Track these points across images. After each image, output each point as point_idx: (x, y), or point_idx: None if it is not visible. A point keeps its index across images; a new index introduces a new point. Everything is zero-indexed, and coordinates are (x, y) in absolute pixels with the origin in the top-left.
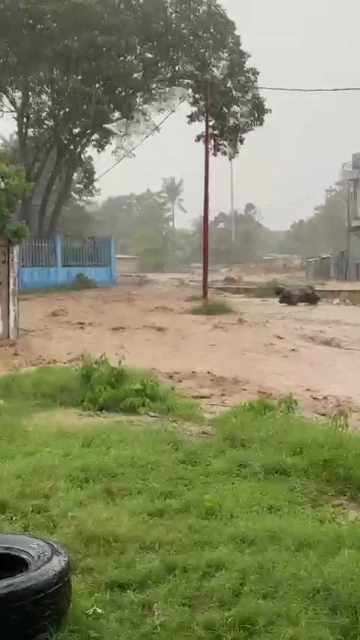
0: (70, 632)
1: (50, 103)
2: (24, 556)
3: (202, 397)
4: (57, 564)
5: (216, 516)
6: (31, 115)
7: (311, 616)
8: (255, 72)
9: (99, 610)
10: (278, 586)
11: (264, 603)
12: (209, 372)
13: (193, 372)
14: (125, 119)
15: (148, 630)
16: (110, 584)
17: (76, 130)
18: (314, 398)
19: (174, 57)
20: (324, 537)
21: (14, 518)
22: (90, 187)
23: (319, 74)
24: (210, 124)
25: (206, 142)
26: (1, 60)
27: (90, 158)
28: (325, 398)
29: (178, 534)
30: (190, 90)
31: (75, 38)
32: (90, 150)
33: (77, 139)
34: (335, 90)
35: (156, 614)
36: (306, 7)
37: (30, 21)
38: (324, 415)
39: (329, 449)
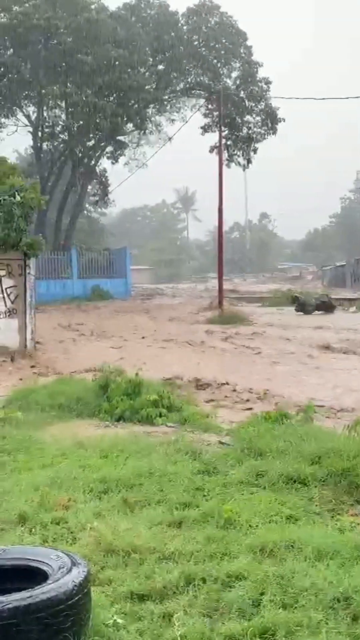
0: None
1: (64, 117)
2: (44, 568)
3: (219, 407)
4: (76, 575)
5: (235, 526)
6: (45, 129)
7: (332, 626)
8: (267, 82)
9: (119, 621)
10: (298, 596)
11: (284, 613)
12: (225, 382)
13: (209, 381)
14: (138, 131)
15: None
16: (129, 595)
17: (90, 143)
18: (331, 407)
19: (186, 68)
20: (344, 547)
21: (33, 530)
22: (105, 199)
23: (332, 82)
24: (224, 134)
25: (220, 153)
26: (16, 75)
27: (104, 170)
28: (341, 408)
29: (197, 544)
30: (203, 101)
31: (89, 52)
32: (104, 163)
33: (91, 151)
34: (347, 98)
35: (176, 624)
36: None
37: (44, 36)
38: (335, 423)
39: (347, 458)
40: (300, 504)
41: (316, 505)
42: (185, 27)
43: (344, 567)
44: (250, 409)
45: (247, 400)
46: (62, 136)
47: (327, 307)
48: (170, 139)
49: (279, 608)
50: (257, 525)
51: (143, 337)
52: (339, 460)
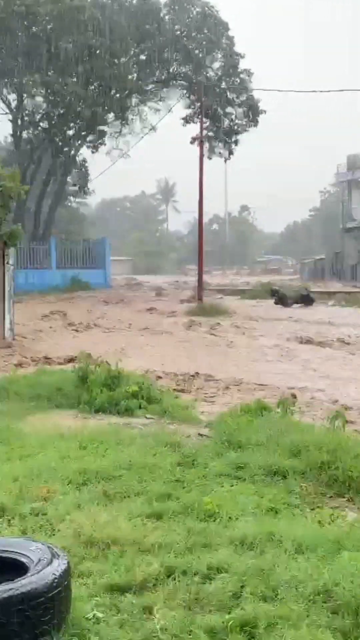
0: (70, 636)
1: (44, 105)
2: (24, 560)
3: (198, 398)
4: (57, 567)
5: (215, 519)
6: (26, 117)
7: (312, 619)
8: (249, 73)
9: (99, 614)
10: (278, 589)
11: (264, 606)
12: (205, 373)
13: (189, 373)
14: (119, 121)
15: (148, 634)
16: (109, 588)
17: (70, 132)
18: (310, 399)
19: (168, 58)
20: (324, 540)
21: (11, 521)
22: (85, 188)
23: (315, 75)
24: (205, 125)
25: (200, 145)
26: None
27: (84, 160)
28: (320, 400)
29: (177, 536)
30: (185, 91)
31: (70, 40)
32: (84, 152)
33: (72, 140)
34: (329, 92)
35: (156, 617)
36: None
37: (25, 23)
38: (319, 417)
39: (327, 451)
40: (280, 496)
41: (296, 498)
42: (167, 17)
43: (323, 560)
44: (233, 398)
45: (226, 390)
46: (42, 124)
47: (306, 300)
48: (153, 127)
49: (260, 600)
50: (237, 518)
51: (124, 328)
52: (318, 453)
